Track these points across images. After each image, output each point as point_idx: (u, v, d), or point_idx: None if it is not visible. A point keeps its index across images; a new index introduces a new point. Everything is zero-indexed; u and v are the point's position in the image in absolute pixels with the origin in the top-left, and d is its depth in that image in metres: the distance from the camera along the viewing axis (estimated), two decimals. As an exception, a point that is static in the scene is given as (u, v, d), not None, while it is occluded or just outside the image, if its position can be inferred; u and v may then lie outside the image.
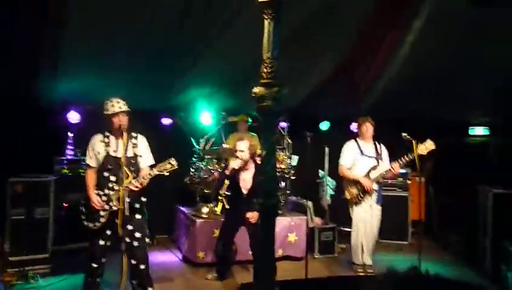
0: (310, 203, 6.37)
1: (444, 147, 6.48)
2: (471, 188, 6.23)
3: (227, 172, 4.74)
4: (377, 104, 6.39)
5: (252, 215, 4.65)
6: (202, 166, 6.07)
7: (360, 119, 5.51)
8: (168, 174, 3.87)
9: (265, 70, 2.79)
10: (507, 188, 5.66)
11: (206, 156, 6.17)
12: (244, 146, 4.76)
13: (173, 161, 3.85)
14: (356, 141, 5.48)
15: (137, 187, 3.81)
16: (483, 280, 5.35)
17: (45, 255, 5.17)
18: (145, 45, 4.84)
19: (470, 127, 7.80)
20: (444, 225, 7.03)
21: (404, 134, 4.77)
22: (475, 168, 6.86)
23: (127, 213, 3.56)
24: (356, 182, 5.28)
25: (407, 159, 4.99)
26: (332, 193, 6.47)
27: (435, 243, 6.92)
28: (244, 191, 4.82)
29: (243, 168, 4.80)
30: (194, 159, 6.18)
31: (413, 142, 4.75)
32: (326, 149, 6.33)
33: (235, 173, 4.78)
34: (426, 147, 4.85)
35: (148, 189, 6.27)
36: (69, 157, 5.95)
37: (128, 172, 3.81)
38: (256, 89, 2.80)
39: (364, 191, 5.24)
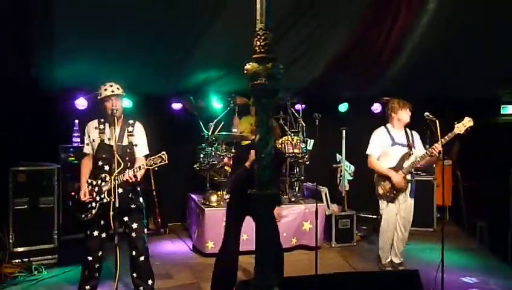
0: (326, 190, 6.04)
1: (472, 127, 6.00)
2: (502, 171, 5.75)
3: (247, 164, 3.88)
4: (397, 82, 5.89)
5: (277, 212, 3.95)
6: (211, 152, 5.78)
7: (399, 102, 4.73)
8: (157, 169, 3.72)
9: (258, 43, 2.43)
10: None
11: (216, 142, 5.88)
12: None
13: (164, 155, 3.63)
14: (387, 128, 4.83)
15: (130, 178, 3.58)
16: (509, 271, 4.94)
17: (51, 245, 5.11)
18: (146, 27, 4.55)
19: (502, 106, 7.22)
20: (472, 211, 6.55)
21: (426, 114, 4.27)
22: (507, 150, 6.35)
23: (117, 205, 3.32)
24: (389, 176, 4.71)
25: (447, 139, 4.39)
26: (350, 177, 6.10)
27: (462, 231, 6.49)
28: None
29: None
30: (203, 145, 5.91)
31: (437, 121, 4.25)
32: (343, 132, 5.95)
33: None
34: (464, 124, 4.37)
35: (159, 175, 6.15)
36: (76, 145, 5.81)
37: (121, 161, 3.56)
38: (248, 66, 2.45)
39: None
